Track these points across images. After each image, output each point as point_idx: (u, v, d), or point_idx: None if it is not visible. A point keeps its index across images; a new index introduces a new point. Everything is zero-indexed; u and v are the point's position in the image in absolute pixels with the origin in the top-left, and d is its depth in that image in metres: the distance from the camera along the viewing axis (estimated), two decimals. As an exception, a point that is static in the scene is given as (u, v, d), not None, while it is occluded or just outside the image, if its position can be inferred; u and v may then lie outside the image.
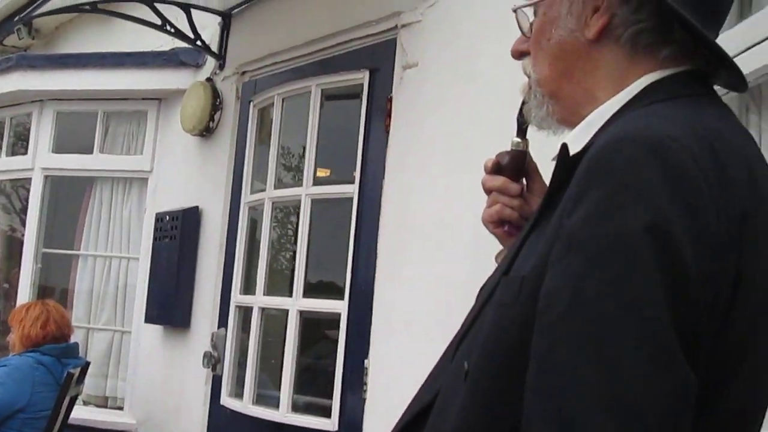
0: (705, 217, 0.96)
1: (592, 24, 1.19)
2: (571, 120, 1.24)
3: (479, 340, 1.11)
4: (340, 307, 3.66)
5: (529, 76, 1.30)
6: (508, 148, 1.42)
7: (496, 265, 1.29)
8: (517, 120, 1.41)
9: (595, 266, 0.95)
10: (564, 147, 1.11)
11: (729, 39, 2.10)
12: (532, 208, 1.34)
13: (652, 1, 1.14)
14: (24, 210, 6.09)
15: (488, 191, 1.39)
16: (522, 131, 1.42)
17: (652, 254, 0.93)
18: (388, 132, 3.53)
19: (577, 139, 1.15)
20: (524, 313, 1.02)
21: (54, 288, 5.71)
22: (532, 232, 1.13)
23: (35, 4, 4.63)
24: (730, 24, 2.23)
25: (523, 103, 1.37)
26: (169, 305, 4.72)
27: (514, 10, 1.31)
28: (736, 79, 1.22)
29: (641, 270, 0.93)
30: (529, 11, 1.31)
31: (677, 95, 1.13)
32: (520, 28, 1.32)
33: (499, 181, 1.38)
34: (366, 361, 3.47)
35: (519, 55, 1.33)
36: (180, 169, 5.00)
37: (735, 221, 0.99)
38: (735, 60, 2.07)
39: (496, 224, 1.38)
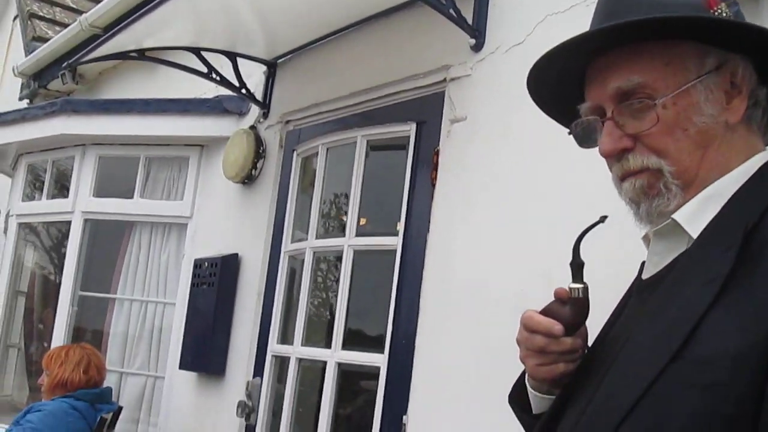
0: None
1: (733, 107, 1.21)
2: (679, 206, 1.21)
3: (674, 427, 1.03)
4: (379, 360, 3.60)
5: (647, 168, 1.23)
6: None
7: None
8: (572, 264, 1.28)
9: None
10: (745, 228, 1.09)
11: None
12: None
13: None
14: (56, 250, 6.12)
15: (550, 353, 1.30)
16: (580, 275, 1.28)
17: None
18: (434, 185, 3.49)
19: (694, 216, 1.17)
20: (744, 393, 0.98)
21: (87, 330, 5.69)
22: (711, 310, 1.05)
23: (84, 51, 4.66)
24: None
25: (578, 241, 1.28)
26: (205, 352, 4.68)
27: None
28: None
29: None
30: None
31: None
32: (619, 127, 1.24)
33: (566, 345, 1.29)
34: (405, 417, 3.40)
35: (621, 152, 1.25)
36: (220, 216, 5.00)
37: None
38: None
39: (553, 381, 1.33)
